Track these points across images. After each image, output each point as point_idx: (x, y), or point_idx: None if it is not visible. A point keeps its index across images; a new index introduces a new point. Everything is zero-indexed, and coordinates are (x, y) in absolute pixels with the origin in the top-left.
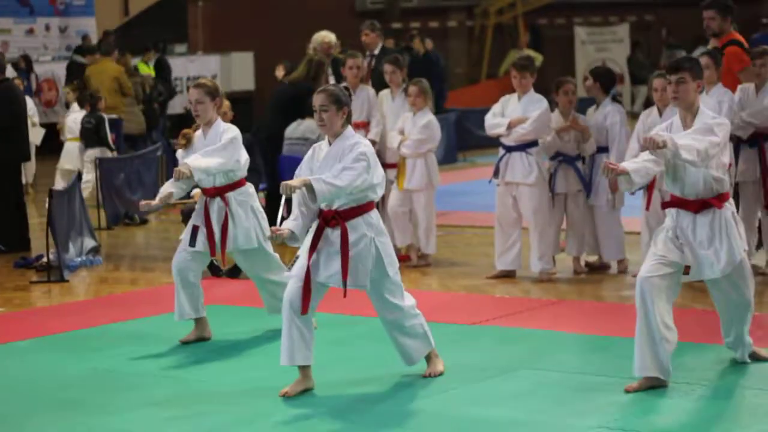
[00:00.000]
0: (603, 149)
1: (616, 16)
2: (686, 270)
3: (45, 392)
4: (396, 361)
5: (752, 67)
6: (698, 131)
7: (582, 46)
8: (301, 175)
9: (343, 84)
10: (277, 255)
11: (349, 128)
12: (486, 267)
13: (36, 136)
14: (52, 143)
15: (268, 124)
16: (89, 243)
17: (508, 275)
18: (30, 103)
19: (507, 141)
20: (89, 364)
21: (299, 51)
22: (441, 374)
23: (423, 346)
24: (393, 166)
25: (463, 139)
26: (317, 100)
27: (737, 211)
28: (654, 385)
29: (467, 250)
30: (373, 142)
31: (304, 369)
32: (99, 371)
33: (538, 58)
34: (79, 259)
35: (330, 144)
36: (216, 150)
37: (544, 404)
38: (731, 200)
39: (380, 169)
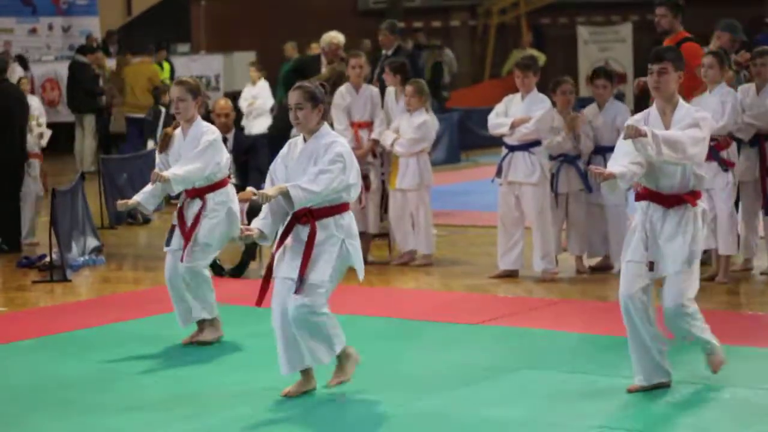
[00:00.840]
0: (612, 149)
1: (618, 16)
2: (650, 267)
3: (45, 392)
4: (397, 360)
5: (733, 68)
6: (683, 127)
7: (585, 46)
8: (276, 169)
9: (319, 81)
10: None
11: (325, 125)
12: (488, 266)
13: (42, 138)
14: (55, 143)
15: (279, 122)
16: (92, 242)
17: (510, 275)
18: (36, 103)
19: (510, 140)
20: (90, 364)
21: (300, 50)
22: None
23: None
24: None
25: (466, 139)
26: (292, 98)
27: (737, 211)
28: (656, 385)
29: (470, 250)
30: (376, 142)
31: (306, 371)
32: (99, 371)
33: (541, 58)
34: (82, 258)
35: (305, 141)
36: (195, 156)
37: (545, 404)
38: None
39: (356, 170)
